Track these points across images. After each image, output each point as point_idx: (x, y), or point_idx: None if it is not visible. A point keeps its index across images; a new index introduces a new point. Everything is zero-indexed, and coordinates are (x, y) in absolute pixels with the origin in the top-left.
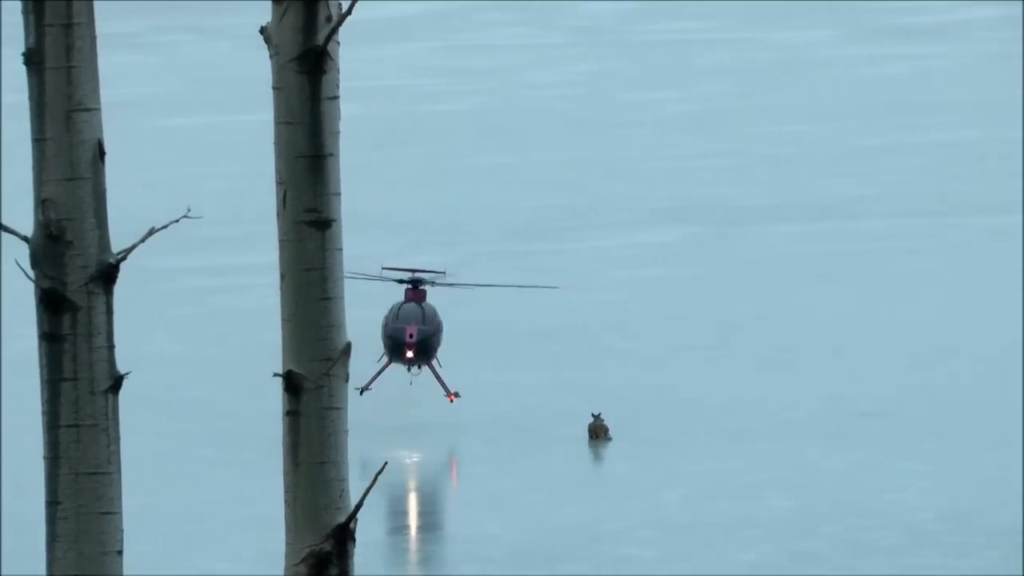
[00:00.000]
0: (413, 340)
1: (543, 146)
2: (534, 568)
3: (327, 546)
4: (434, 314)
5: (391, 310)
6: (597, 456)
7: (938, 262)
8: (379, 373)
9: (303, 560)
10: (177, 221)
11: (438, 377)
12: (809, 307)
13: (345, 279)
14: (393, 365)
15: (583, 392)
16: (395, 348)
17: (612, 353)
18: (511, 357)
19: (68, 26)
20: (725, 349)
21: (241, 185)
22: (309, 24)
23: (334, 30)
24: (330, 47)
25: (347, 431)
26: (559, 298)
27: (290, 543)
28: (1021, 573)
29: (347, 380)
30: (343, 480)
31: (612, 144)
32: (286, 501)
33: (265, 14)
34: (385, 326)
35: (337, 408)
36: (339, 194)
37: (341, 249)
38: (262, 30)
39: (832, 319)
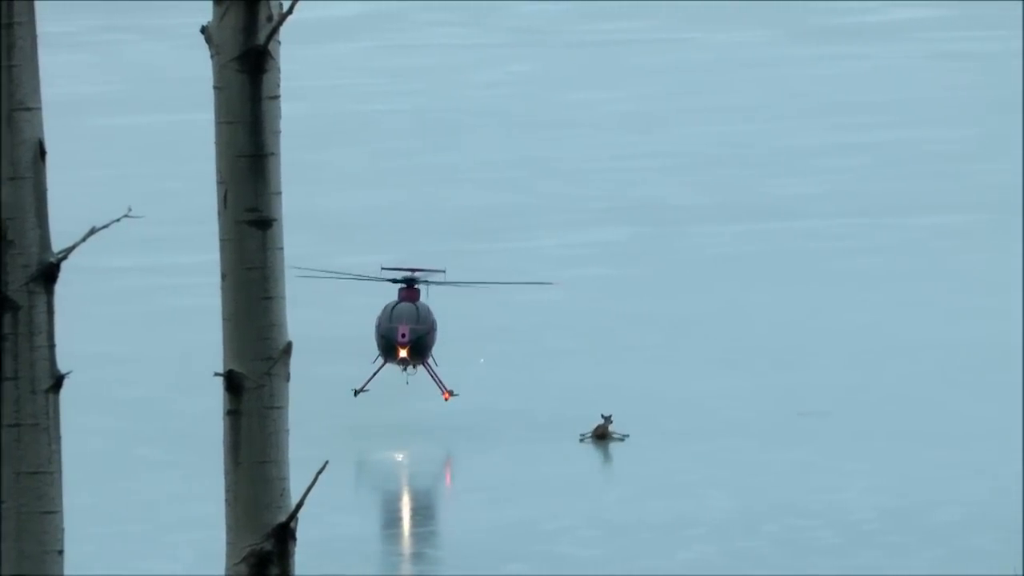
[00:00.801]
0: (406, 340)
1: (483, 146)
2: (475, 567)
3: (268, 545)
4: (428, 313)
5: (384, 310)
6: (538, 456)
7: (879, 262)
8: (374, 374)
9: (244, 559)
10: (118, 220)
11: (433, 376)
12: (750, 307)
13: (342, 280)
14: (388, 365)
15: (526, 391)
16: (388, 348)
17: (554, 353)
18: (454, 356)
19: (9, 25)
20: (667, 349)
21: (182, 185)
22: (250, 24)
23: (275, 30)
24: (271, 46)
25: (288, 430)
26: (502, 298)
27: (231, 542)
28: (959, 573)
29: (288, 379)
30: (284, 479)
31: (552, 144)
32: (227, 500)
33: (206, 14)
34: (378, 326)
35: (278, 407)
36: (280, 193)
37: (282, 248)
38: (203, 30)
39: (773, 319)
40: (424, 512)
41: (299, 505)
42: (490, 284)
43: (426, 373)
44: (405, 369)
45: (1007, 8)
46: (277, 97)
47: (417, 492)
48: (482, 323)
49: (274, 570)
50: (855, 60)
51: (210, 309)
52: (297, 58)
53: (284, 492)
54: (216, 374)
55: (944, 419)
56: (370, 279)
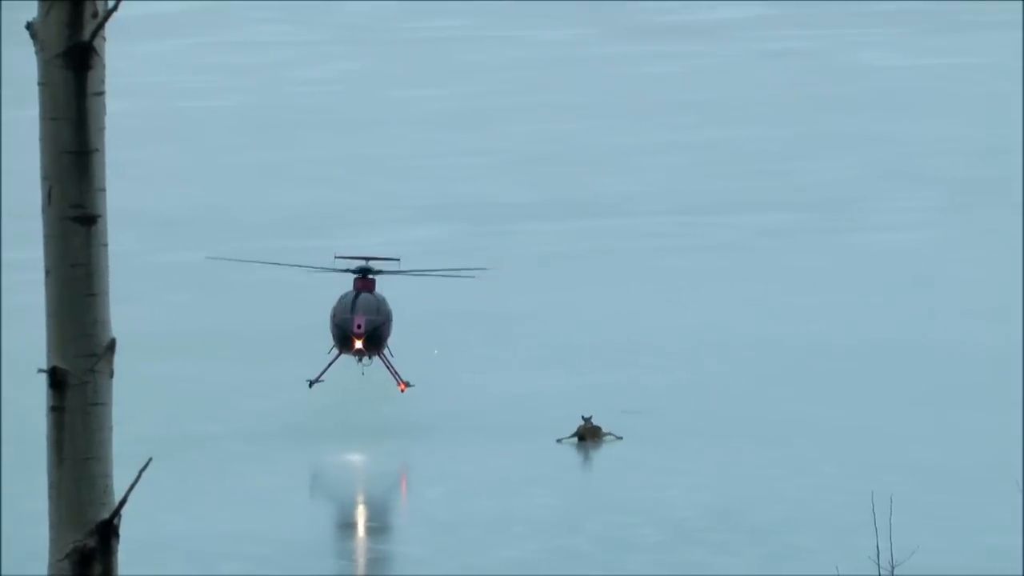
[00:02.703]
0: (361, 331)
1: (308, 143)
2: (299, 566)
3: (91, 542)
4: (384, 304)
5: (340, 301)
6: (360, 454)
7: (703, 260)
8: (329, 365)
9: (67, 556)
10: None
11: (389, 367)
12: (575, 305)
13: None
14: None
15: (347, 390)
16: (344, 339)
17: None
18: (277, 353)
19: None
20: (492, 347)
21: (6, 180)
22: (75, 20)
23: (100, 26)
24: (96, 43)
25: (112, 427)
26: (324, 295)
27: (54, 540)
28: (784, 574)
29: (112, 376)
30: (107, 476)
31: (377, 141)
32: (50, 497)
33: (31, 9)
34: (333, 317)
35: (102, 404)
36: (104, 190)
37: (106, 245)
38: (28, 25)
39: (597, 317)
40: (239, 509)
41: (122, 502)
42: (438, 273)
43: (382, 364)
44: (360, 360)
45: (826, 7)
46: (102, 93)
47: (228, 490)
48: (303, 318)
49: (97, 567)
50: (678, 59)
51: (34, 306)
52: (123, 55)
53: (107, 489)
54: (40, 370)
55: (767, 417)
56: (323, 270)
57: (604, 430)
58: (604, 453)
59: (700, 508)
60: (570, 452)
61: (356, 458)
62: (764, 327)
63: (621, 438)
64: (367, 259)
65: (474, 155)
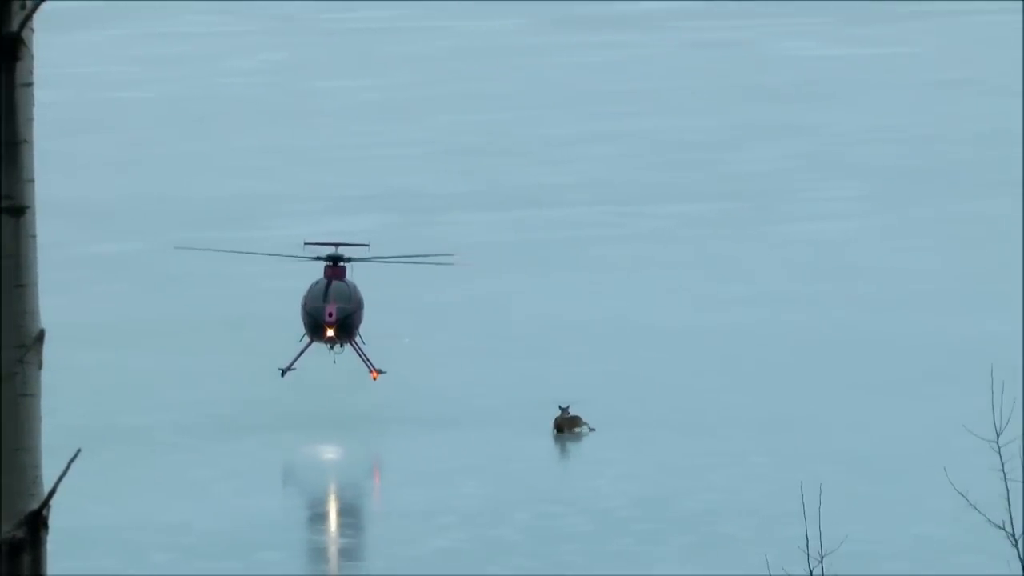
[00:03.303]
0: (333, 319)
1: (237, 134)
2: (228, 556)
3: (20, 533)
4: (355, 291)
5: (311, 289)
6: (286, 445)
7: (632, 250)
8: (300, 353)
9: None
10: None
11: (361, 355)
12: (505, 295)
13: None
14: (315, 344)
15: (274, 381)
16: (315, 327)
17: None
18: (204, 344)
19: None
20: (422, 338)
21: None
22: (3, 11)
23: (28, 17)
24: (24, 34)
25: (41, 418)
26: (253, 285)
27: None
28: (712, 564)
29: (40, 367)
30: (37, 467)
31: (306, 132)
32: None
33: None
34: (304, 305)
35: (31, 395)
36: (33, 181)
37: (35, 236)
38: None
39: (528, 307)
40: (173, 500)
41: (51, 493)
42: (412, 260)
43: (353, 352)
44: (332, 348)
45: None
46: (30, 84)
47: (161, 480)
48: (232, 311)
49: (27, 558)
50: (608, 49)
51: None
52: (51, 45)
53: (37, 480)
54: None
55: (695, 407)
56: (292, 257)
57: (582, 420)
58: (531, 444)
59: (628, 498)
60: (499, 440)
61: (274, 448)
62: (692, 317)
63: (594, 429)
64: (336, 245)
65: (403, 146)
